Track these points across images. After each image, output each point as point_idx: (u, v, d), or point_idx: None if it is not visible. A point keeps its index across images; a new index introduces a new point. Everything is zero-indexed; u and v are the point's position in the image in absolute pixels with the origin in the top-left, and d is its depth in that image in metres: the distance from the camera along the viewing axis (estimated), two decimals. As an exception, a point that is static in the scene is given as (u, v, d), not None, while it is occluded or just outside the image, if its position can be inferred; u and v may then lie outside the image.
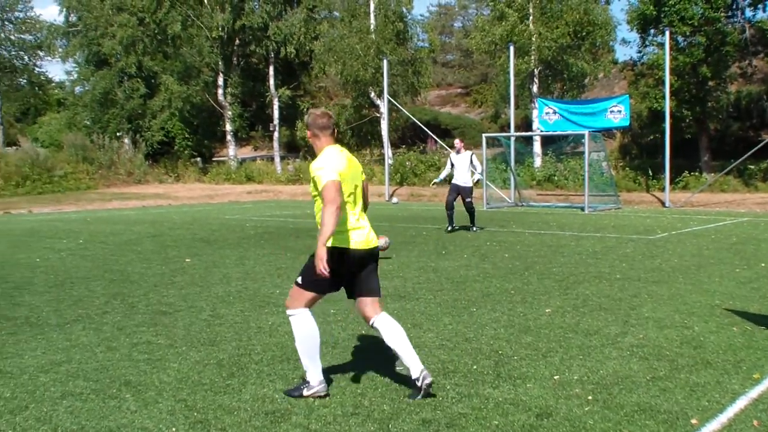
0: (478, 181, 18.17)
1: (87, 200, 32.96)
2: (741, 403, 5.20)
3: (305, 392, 5.33)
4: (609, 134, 35.93)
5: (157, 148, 45.96)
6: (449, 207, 17.22)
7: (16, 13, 55.59)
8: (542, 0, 34.17)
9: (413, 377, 5.34)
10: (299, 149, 46.50)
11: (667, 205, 25.49)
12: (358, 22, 40.39)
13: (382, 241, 6.72)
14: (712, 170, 30.16)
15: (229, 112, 45.30)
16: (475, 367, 6.08)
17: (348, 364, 6.23)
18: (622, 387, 5.52)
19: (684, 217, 21.21)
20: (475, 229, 17.19)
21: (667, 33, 26.33)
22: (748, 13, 33.69)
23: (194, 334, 7.37)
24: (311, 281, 5.40)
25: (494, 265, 11.87)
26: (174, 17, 43.14)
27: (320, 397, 5.32)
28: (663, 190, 26.68)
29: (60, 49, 51.91)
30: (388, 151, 36.02)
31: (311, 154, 44.34)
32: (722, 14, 29.93)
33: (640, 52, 33.02)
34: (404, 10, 41.78)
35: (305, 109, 44.74)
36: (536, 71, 34.89)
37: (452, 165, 17.29)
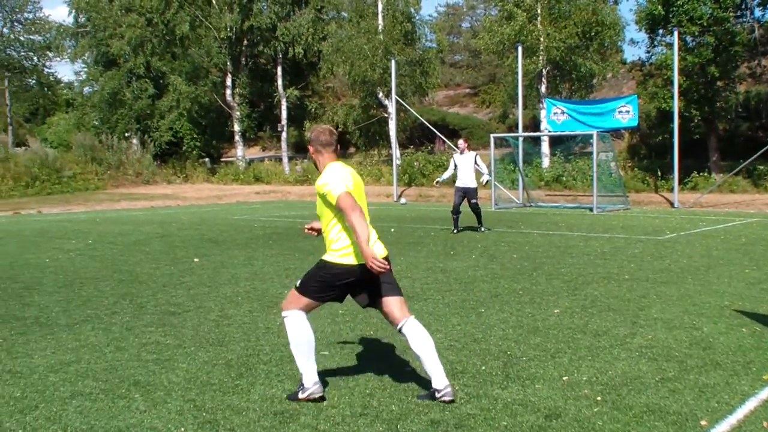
0: (487, 182, 18.10)
1: (96, 201, 33.05)
2: (751, 404, 5.18)
3: (300, 395, 5.32)
4: (617, 134, 35.83)
5: (166, 148, 46.03)
6: (455, 211, 17.10)
7: (25, 14, 55.79)
8: (550, 0, 34.09)
9: (435, 387, 5.28)
10: (307, 150, 46.49)
11: (675, 205, 25.43)
12: (366, 22, 40.41)
13: None
14: (721, 171, 30.06)
15: (238, 113, 45.36)
16: (483, 367, 6.07)
17: (357, 365, 6.24)
18: (631, 388, 5.51)
19: (693, 217, 21.16)
20: (482, 229, 17.17)
21: (676, 33, 26.27)
22: (758, 12, 33.66)
23: (203, 335, 7.39)
24: (311, 289, 5.40)
25: (503, 265, 11.86)
26: (182, 18, 43.21)
27: (315, 399, 5.29)
28: (672, 190, 26.61)
29: (69, 50, 52.10)
30: (396, 151, 36.01)
31: (319, 154, 44.39)
32: (731, 14, 29.83)
33: (648, 52, 32.94)
34: (412, 10, 41.82)
35: (313, 110, 44.87)
36: (544, 71, 34.84)
37: (456, 166, 17.22)
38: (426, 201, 30.87)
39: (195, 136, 46.33)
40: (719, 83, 30.40)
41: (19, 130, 56.10)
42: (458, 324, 7.68)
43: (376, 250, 5.33)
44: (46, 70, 59.78)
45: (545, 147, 34.80)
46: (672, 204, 25.82)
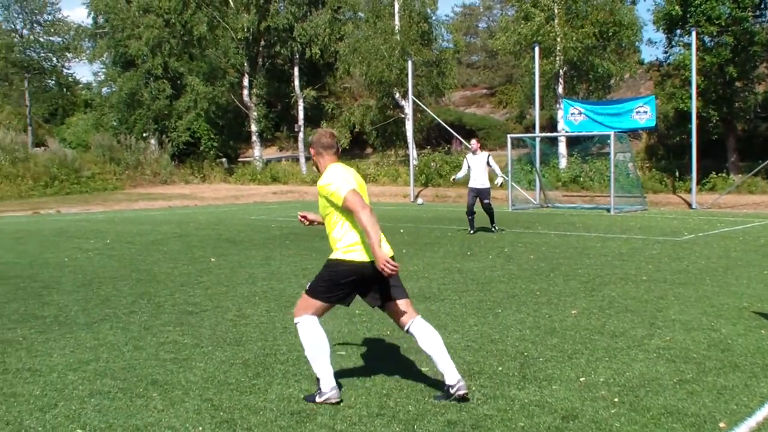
0: (502, 183, 18.06)
1: (114, 200, 33.22)
2: (770, 406, 5.16)
3: (317, 399, 5.32)
4: (635, 135, 35.69)
5: (183, 148, 46.17)
6: (470, 212, 17.13)
7: (45, 16, 56.14)
8: (567, 0, 33.99)
9: (448, 383, 5.30)
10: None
11: (693, 206, 25.30)
12: (382, 23, 40.43)
13: None
14: (740, 171, 29.88)
15: (255, 113, 45.49)
16: (500, 368, 6.07)
17: (373, 365, 6.24)
18: (649, 389, 5.49)
19: (711, 218, 21.04)
20: (495, 229, 17.14)
21: (694, 33, 26.14)
22: (776, 12, 33.37)
23: (220, 334, 7.41)
24: (319, 290, 5.43)
25: (519, 266, 11.84)
26: (200, 18, 43.39)
27: (333, 404, 5.29)
28: (690, 191, 26.48)
29: (87, 51, 52.39)
30: (413, 152, 36.01)
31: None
32: (750, 14, 29.61)
33: (666, 52, 32.80)
34: (429, 11, 41.80)
35: (330, 110, 44.92)
36: (561, 72, 34.74)
37: (469, 166, 17.21)
38: (443, 201, 30.85)
39: (212, 136, 46.45)
40: (738, 83, 30.23)
41: (39, 131, 56.45)
42: (475, 325, 7.67)
43: (386, 248, 5.37)
44: (65, 70, 60.19)
45: (562, 147, 34.71)
46: (690, 205, 25.69)
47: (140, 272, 11.78)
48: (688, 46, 28.21)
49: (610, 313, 8.11)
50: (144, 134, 46.13)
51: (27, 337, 7.45)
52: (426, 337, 5.38)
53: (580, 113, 28.05)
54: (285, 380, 5.84)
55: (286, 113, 48.95)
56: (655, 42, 64.40)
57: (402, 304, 5.48)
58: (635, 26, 34.72)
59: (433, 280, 10.56)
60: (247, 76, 45.76)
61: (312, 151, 5.66)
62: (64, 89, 60.38)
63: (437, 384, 5.63)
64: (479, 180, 17.00)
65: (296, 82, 45.85)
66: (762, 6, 31.90)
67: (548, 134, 34.09)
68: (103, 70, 51.32)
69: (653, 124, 27.41)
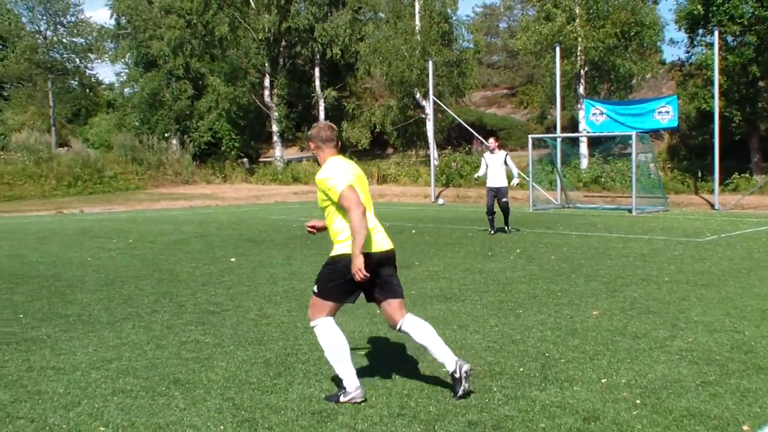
0: (517, 184, 18.00)
1: (136, 200, 33.42)
2: (793, 409, 5.12)
3: (342, 398, 5.32)
4: (657, 135, 35.47)
5: (205, 148, 46.38)
6: (490, 212, 17.14)
7: (68, 17, 56.55)
8: (589, 0, 33.84)
9: (450, 371, 5.34)
10: (345, 150, 46.64)
11: (716, 207, 25.12)
12: (403, 23, 40.43)
13: None
14: (763, 172, 29.65)
15: (276, 113, 45.62)
16: (521, 369, 6.06)
17: (394, 365, 6.24)
18: (671, 391, 5.46)
19: (734, 219, 20.89)
20: (508, 229, 17.08)
21: (716, 33, 25.94)
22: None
23: (241, 334, 7.45)
24: (327, 289, 5.45)
25: (541, 266, 11.80)
26: (221, 19, 43.56)
27: (357, 403, 5.30)
28: (712, 192, 26.29)
29: (110, 52, 52.75)
30: (433, 152, 35.98)
31: (357, 154, 44.53)
32: (773, 13, 29.40)
33: (688, 52, 32.59)
34: (449, 11, 41.76)
35: (351, 110, 44.96)
36: (583, 72, 34.60)
37: (487, 165, 17.20)
38: (463, 202, 30.80)
39: (233, 136, 46.62)
40: (761, 83, 29.97)
41: (62, 131, 56.85)
42: (496, 325, 7.66)
43: (380, 242, 5.42)
44: (88, 71, 60.54)
45: (583, 148, 34.57)
46: (712, 206, 25.51)
47: (162, 272, 11.86)
48: (710, 45, 28.01)
49: (632, 315, 8.08)
50: (166, 134, 46.39)
51: (51, 336, 7.52)
52: (419, 331, 5.45)
53: (601, 113, 27.92)
54: (306, 380, 5.86)
55: (307, 113, 49.05)
56: (677, 42, 64.08)
57: (398, 303, 5.52)
58: (657, 26, 34.53)
59: (454, 280, 10.56)
60: (268, 76, 45.90)
61: (312, 145, 5.73)
62: (87, 90, 60.77)
63: (452, 381, 5.63)
64: (497, 179, 17.00)
65: (317, 83, 45.94)
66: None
67: (569, 134, 33.94)
68: (126, 70, 51.68)
69: (675, 124, 27.24)
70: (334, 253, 5.42)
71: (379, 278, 5.44)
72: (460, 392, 5.30)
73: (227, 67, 45.31)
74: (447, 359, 5.36)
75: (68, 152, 42.60)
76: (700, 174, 30.26)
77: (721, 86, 26.59)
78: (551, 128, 38.93)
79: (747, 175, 29.49)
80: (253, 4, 44.55)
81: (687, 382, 5.66)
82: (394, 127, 42.34)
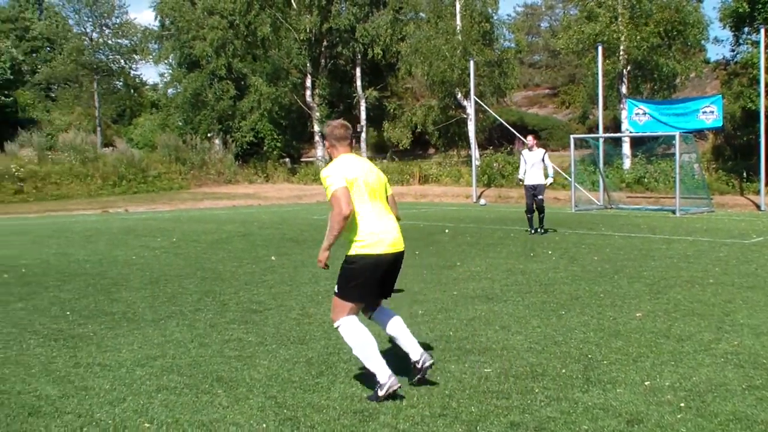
0: (550, 183, 17.86)
1: (179, 200, 33.76)
2: (842, 413, 5.03)
3: (380, 393, 5.34)
4: (701, 135, 35.03)
5: (247, 148, 46.67)
6: (529, 210, 17.11)
7: (113, 19, 57.27)
8: (632, -1, 33.49)
9: (413, 360, 5.63)
10: (387, 150, 46.70)
11: (762, 208, 24.75)
12: (444, 23, 40.33)
13: None
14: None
15: (317, 113, 45.79)
16: (564, 370, 6.02)
17: (436, 365, 6.21)
18: (716, 395, 5.39)
19: (781, 220, 20.56)
20: (542, 230, 16.96)
21: (762, 31, 25.52)
22: None
23: (284, 333, 7.50)
24: (347, 290, 5.54)
25: (583, 267, 11.72)
26: (263, 20, 43.82)
27: (395, 391, 5.32)
28: (758, 192, 25.90)
29: (153, 53, 53.35)
30: (475, 152, 35.86)
31: (398, 154, 44.56)
32: (821, 10, 28.87)
33: (733, 50, 32.14)
34: (490, 10, 41.58)
35: (392, 110, 44.98)
36: (625, 71, 34.26)
37: (525, 162, 17.16)
38: (505, 202, 30.67)
39: (275, 136, 46.86)
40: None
41: (107, 131, 57.60)
42: (538, 326, 7.63)
43: (389, 244, 5.53)
44: (133, 72, 61.25)
45: (626, 148, 34.21)
46: (758, 207, 25.13)
47: (205, 270, 11.97)
48: (756, 43, 27.59)
49: (676, 317, 7.99)
50: (209, 134, 46.80)
51: (97, 333, 7.63)
52: (389, 320, 5.73)
53: (644, 113, 27.64)
54: (348, 379, 5.88)
55: (349, 113, 49.13)
56: (722, 40, 63.04)
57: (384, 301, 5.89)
58: (701, 24, 34.04)
59: (496, 281, 10.53)
60: (309, 76, 46.09)
61: (326, 143, 5.80)
62: (132, 90, 61.49)
63: (501, 385, 5.62)
64: (535, 176, 16.99)
65: (358, 83, 46.04)
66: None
67: (612, 135, 33.62)
68: (169, 71, 52.23)
69: (720, 124, 26.89)
70: (350, 252, 5.53)
71: (387, 277, 5.63)
72: (417, 377, 5.58)
73: (269, 68, 45.56)
74: (413, 350, 5.65)
75: (113, 152, 43.16)
76: (745, 174, 29.79)
77: (767, 85, 26.17)
78: (593, 128, 38.60)
79: (794, 175, 28.97)
80: (294, 4, 44.78)
81: (732, 386, 5.59)
82: (435, 127, 42.27)
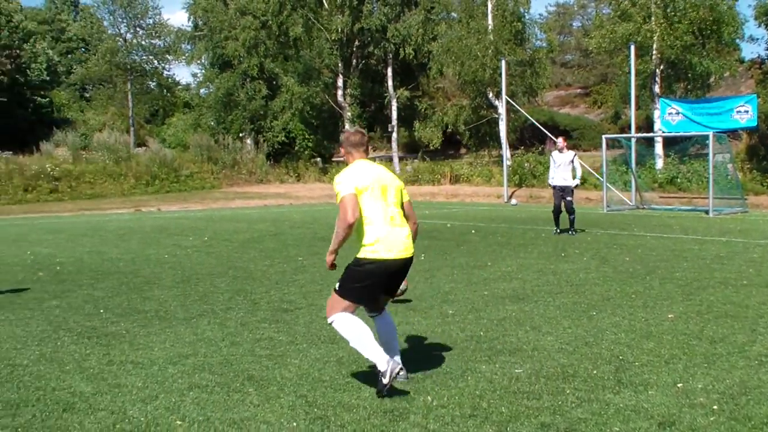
0: (576, 186, 17.73)
1: (211, 199, 33.99)
2: None
3: (384, 381, 5.38)
4: (735, 135, 34.63)
5: (278, 148, 46.85)
6: (557, 210, 17.04)
7: (147, 20, 57.79)
8: (665, -1, 33.17)
9: (380, 370, 5.55)
10: (418, 150, 46.67)
11: (798, 209, 24.45)
12: (475, 22, 40.21)
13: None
14: None
15: (349, 113, 45.87)
16: (595, 372, 5.99)
17: (466, 365, 6.23)
18: (750, 398, 5.33)
19: (817, 221, 20.29)
20: (572, 231, 16.85)
21: (800, 30, 25.23)
22: None
23: (315, 332, 7.52)
24: (349, 289, 5.63)
25: (614, 268, 11.65)
26: (295, 20, 43.97)
27: (398, 373, 5.39)
28: (794, 193, 25.59)
29: (186, 53, 53.75)
30: (506, 152, 35.74)
31: (429, 154, 44.51)
32: None
33: (768, 49, 31.76)
34: (522, 10, 41.40)
35: (423, 110, 44.95)
36: (658, 71, 33.95)
37: (554, 162, 17.09)
38: (537, 202, 30.53)
39: (307, 136, 47.02)
40: None
41: (140, 131, 58.13)
42: (569, 327, 7.59)
43: (397, 250, 5.58)
44: (166, 72, 61.78)
45: (659, 148, 33.90)
46: (794, 207, 24.83)
47: (237, 269, 12.04)
48: (793, 42, 27.25)
49: (709, 318, 7.92)
50: (240, 134, 47.04)
51: (130, 331, 7.71)
52: (387, 325, 5.87)
53: (677, 113, 27.40)
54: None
55: (380, 113, 49.22)
56: (757, 39, 62.40)
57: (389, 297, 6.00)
58: (736, 22, 33.64)
59: (527, 281, 10.49)
60: (341, 76, 46.18)
61: (342, 150, 5.87)
62: (164, 90, 62.02)
63: (532, 386, 5.61)
64: (563, 178, 16.93)
65: (389, 83, 46.05)
66: None
67: (644, 134, 33.36)
68: (201, 71, 52.58)
69: (755, 123, 26.59)
70: (359, 255, 5.61)
71: (392, 282, 5.74)
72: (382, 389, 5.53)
73: (301, 68, 45.72)
74: (382, 359, 5.60)
75: (146, 152, 43.54)
76: (780, 175, 29.45)
77: (804, 85, 25.86)
78: (625, 128, 38.34)
79: (830, 175, 28.59)
80: (326, 5, 44.90)
81: (767, 389, 5.52)
82: (466, 127, 42.15)
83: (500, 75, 33.52)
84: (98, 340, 7.31)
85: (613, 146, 31.48)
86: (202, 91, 53.10)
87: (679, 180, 30.96)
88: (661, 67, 33.95)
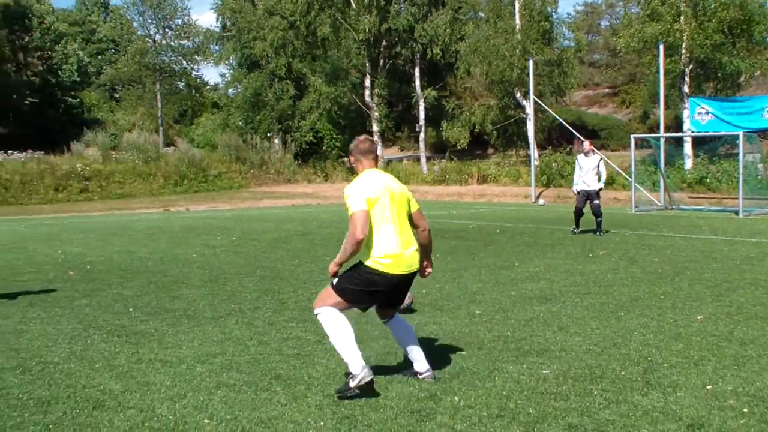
0: (600, 189, 17.56)
1: (239, 199, 34.16)
2: None
3: (351, 384, 5.40)
4: (765, 135, 34.26)
5: (306, 148, 47.01)
6: (579, 213, 16.98)
7: (176, 21, 58.19)
8: (695, -3, 32.87)
9: (416, 370, 5.83)
10: (445, 150, 46.61)
11: (830, 209, 24.14)
12: (503, 22, 40.08)
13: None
14: None
15: (376, 113, 45.89)
16: (623, 373, 5.96)
17: (493, 366, 6.22)
18: (780, 400, 5.29)
19: None
20: (599, 233, 16.72)
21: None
22: None
23: (342, 332, 7.53)
24: (346, 289, 5.64)
25: (643, 269, 11.57)
26: (323, 20, 44.08)
27: (367, 384, 5.38)
28: (826, 194, 25.28)
29: (215, 54, 54.08)
30: (534, 152, 35.61)
31: (457, 154, 44.43)
32: None
33: (800, 48, 31.36)
34: (550, 9, 41.21)
35: (451, 110, 44.89)
36: (687, 70, 33.66)
37: (580, 167, 16.98)
38: (564, 202, 30.37)
39: (335, 136, 47.12)
40: None
41: (169, 131, 58.55)
42: (597, 328, 7.56)
43: (403, 264, 5.62)
44: (194, 73, 62.17)
45: (688, 148, 33.60)
46: (826, 208, 24.52)
47: (264, 269, 12.10)
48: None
49: (739, 320, 7.85)
50: (268, 134, 47.24)
51: (159, 329, 7.78)
52: (401, 330, 5.91)
53: (707, 112, 27.18)
54: (405, 379, 5.89)
55: (407, 113, 49.19)
56: (789, 37, 61.74)
57: (393, 310, 5.98)
58: (766, 21, 33.26)
59: (555, 281, 10.46)
60: (368, 76, 46.21)
61: (351, 158, 5.89)
62: (193, 91, 62.45)
63: (558, 387, 5.59)
64: (588, 182, 16.81)
65: (417, 82, 46.01)
66: None
67: (673, 134, 33.10)
68: (230, 71, 52.84)
69: (786, 123, 26.30)
70: (368, 263, 5.62)
71: (395, 295, 5.78)
72: (410, 377, 5.77)
73: (328, 68, 45.84)
74: (419, 362, 5.84)
75: (175, 152, 43.87)
76: (811, 175, 29.08)
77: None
78: (654, 128, 38.01)
79: None
80: (354, 5, 44.95)
81: (797, 391, 5.47)
82: (494, 127, 42.03)
83: (528, 75, 33.40)
84: (127, 339, 7.38)
85: (642, 146, 31.26)
86: (230, 91, 53.44)
87: (708, 180, 30.67)
88: (691, 66, 33.65)
